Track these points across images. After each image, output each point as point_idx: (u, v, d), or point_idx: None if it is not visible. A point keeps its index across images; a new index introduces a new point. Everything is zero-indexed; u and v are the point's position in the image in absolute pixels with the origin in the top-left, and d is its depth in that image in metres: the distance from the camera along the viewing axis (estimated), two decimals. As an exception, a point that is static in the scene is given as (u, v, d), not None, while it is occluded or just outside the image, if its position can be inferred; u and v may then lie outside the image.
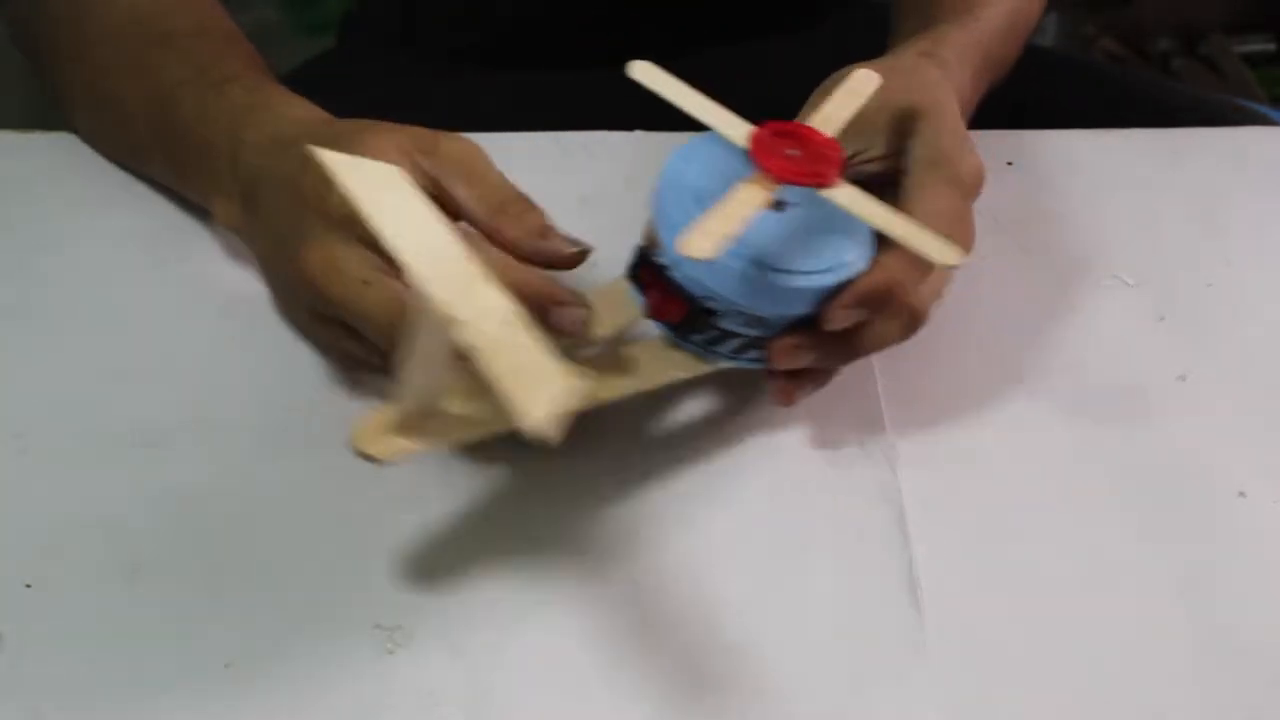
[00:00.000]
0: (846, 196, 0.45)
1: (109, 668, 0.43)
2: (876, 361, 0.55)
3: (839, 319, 0.47)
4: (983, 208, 0.64)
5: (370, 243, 0.46)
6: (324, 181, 0.44)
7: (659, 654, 0.44)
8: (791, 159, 0.45)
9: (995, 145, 0.69)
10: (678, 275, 0.46)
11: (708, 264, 0.43)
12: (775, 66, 0.80)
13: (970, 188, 0.52)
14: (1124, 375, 0.56)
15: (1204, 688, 0.44)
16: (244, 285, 0.56)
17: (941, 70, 0.57)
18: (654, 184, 0.47)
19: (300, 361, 0.53)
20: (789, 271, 0.45)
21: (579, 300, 0.46)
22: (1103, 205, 0.65)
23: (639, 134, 0.68)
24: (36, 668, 0.43)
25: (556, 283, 0.46)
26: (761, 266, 0.45)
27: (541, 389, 0.36)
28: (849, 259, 0.46)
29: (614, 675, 0.44)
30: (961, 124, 0.54)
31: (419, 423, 0.44)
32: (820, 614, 0.46)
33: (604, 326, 0.48)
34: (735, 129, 0.46)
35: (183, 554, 0.47)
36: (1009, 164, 0.68)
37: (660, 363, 0.48)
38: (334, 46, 0.91)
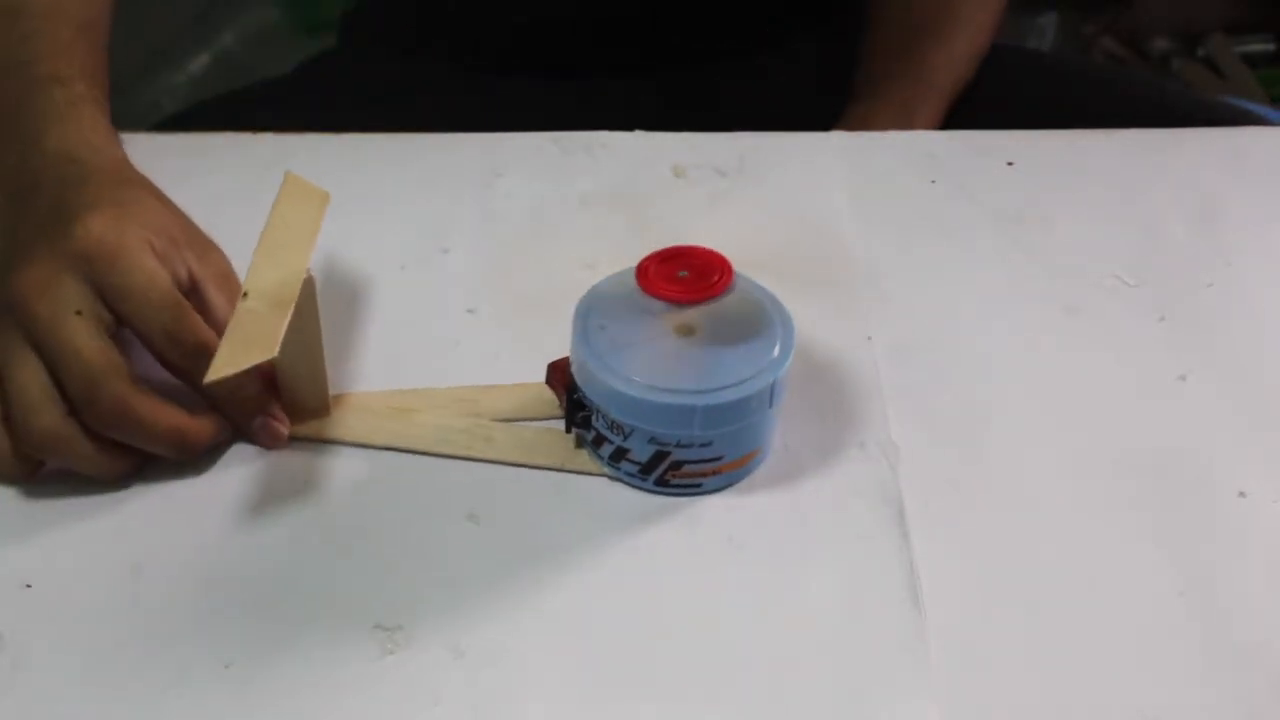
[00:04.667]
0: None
1: (109, 668, 0.43)
2: (878, 361, 0.55)
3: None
4: (983, 208, 0.64)
5: (97, 287, 0.47)
6: (73, 218, 0.47)
7: (659, 653, 0.44)
8: (680, 281, 0.48)
9: (995, 145, 0.69)
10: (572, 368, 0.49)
11: (590, 367, 0.47)
12: (767, 80, 0.81)
13: None
14: (1124, 375, 0.56)
15: (1204, 688, 0.44)
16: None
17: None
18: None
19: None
20: (654, 388, 0.46)
21: (283, 418, 0.50)
22: (1103, 205, 0.65)
23: (639, 134, 0.68)
24: (36, 668, 0.43)
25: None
26: (638, 382, 0.46)
27: (240, 357, 0.43)
28: (713, 385, 0.46)
29: (614, 675, 0.44)
30: None
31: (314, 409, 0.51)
32: (820, 614, 0.46)
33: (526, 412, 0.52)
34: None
35: (183, 554, 0.47)
36: (1009, 164, 0.68)
37: (545, 449, 0.51)
38: (334, 46, 0.91)
